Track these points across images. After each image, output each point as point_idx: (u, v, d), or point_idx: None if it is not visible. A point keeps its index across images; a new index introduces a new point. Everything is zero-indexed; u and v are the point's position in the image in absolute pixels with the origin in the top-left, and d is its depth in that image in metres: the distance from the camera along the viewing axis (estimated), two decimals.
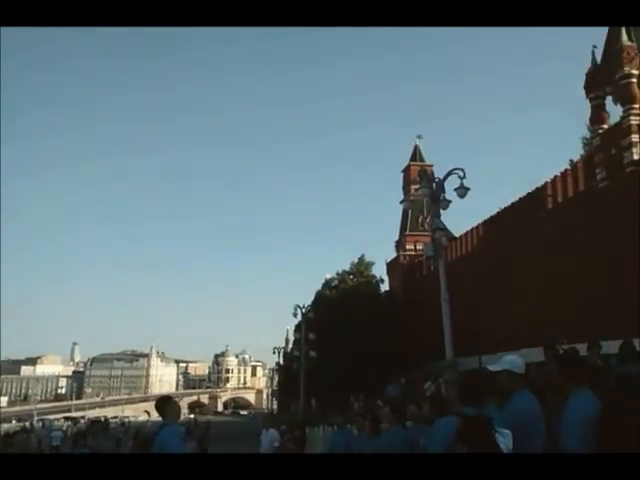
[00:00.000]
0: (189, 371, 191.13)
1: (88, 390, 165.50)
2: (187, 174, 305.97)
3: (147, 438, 6.15)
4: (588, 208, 22.95)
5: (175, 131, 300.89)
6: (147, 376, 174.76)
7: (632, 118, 21.44)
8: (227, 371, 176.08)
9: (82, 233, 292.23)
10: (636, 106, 21.79)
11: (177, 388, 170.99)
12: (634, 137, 21.17)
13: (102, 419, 64.43)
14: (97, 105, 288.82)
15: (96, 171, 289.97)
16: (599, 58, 23.96)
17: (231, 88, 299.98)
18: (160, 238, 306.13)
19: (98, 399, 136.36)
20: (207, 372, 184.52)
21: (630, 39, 22.39)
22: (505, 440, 4.03)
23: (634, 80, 22.05)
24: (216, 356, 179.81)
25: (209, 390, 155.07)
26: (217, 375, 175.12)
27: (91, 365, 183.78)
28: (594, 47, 24.06)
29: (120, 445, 29.23)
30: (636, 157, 21.13)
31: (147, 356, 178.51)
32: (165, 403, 6.03)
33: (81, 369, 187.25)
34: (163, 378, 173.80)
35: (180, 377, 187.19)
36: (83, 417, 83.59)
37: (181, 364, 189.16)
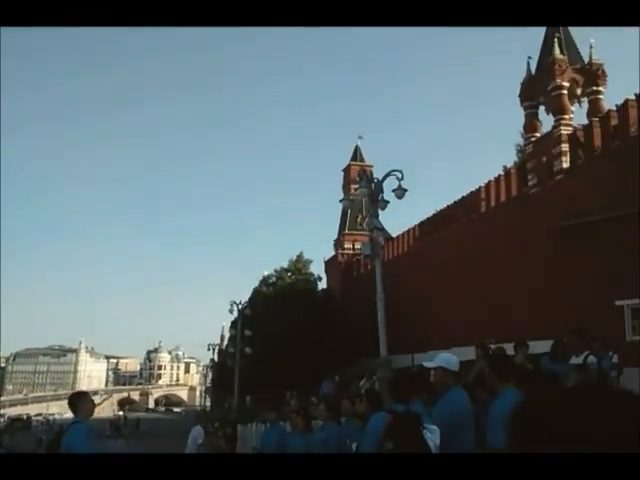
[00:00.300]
0: (120, 367, 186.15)
1: (9, 387, 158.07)
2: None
3: (59, 437, 5.82)
4: (520, 213, 23.84)
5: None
6: (75, 372, 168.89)
7: (562, 128, 22.42)
8: (159, 367, 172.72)
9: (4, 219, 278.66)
10: (566, 117, 22.81)
11: (107, 384, 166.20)
12: (564, 146, 22.15)
13: (24, 417, 61.78)
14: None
15: None
16: (534, 69, 24.95)
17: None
18: (90, 229, 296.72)
19: (20, 396, 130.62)
20: (139, 368, 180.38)
21: (562, 52, 23.43)
22: (432, 436, 4.12)
23: (565, 92, 23.07)
24: (148, 352, 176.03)
25: (140, 387, 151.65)
26: (149, 371, 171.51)
27: (14, 360, 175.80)
28: (529, 58, 25.03)
29: (42, 445, 27.93)
30: (565, 165, 22.10)
31: (75, 351, 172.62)
32: (77, 399, 5.68)
33: (2, 364, 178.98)
34: (92, 374, 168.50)
35: (110, 373, 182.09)
36: (2, 415, 79.80)
37: (111, 360, 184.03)
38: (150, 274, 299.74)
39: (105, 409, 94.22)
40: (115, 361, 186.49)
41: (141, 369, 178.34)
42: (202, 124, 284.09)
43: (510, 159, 38.74)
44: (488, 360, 5.42)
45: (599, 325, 14.45)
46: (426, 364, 5.30)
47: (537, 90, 24.41)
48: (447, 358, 4.97)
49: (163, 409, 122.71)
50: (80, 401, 5.66)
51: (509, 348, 11.02)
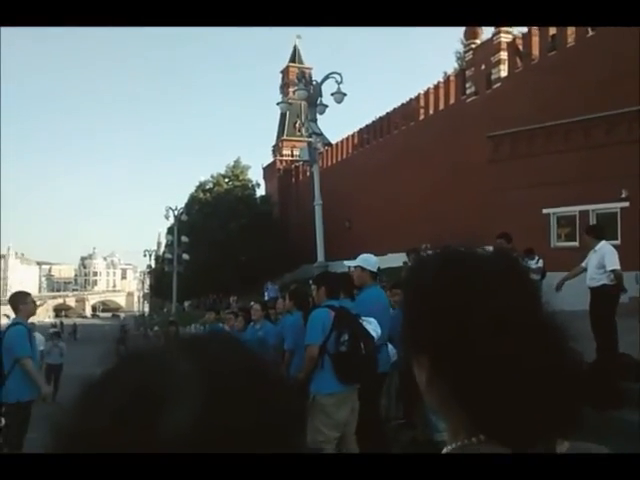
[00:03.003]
0: (53, 273, 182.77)
1: None
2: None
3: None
4: (457, 121, 24.02)
5: None
6: (5, 278, 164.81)
7: (502, 36, 22.29)
8: (95, 274, 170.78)
9: None
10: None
11: (40, 291, 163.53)
12: (503, 54, 22.12)
13: None
14: None
15: None
16: None
17: None
18: (21, 132, 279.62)
19: None
20: (73, 275, 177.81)
21: None
22: (372, 327, 4.38)
23: None
24: (82, 258, 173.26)
25: (76, 293, 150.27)
26: (84, 278, 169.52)
27: None
28: None
29: None
30: (503, 74, 22.19)
31: (4, 257, 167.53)
32: (18, 299, 5.61)
33: None
34: (24, 280, 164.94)
35: (43, 279, 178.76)
36: None
37: (44, 266, 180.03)
38: (81, 179, 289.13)
39: (40, 315, 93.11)
40: (48, 267, 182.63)
41: (75, 275, 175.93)
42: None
43: (450, 65, 38.51)
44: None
45: (527, 231, 15.17)
46: (347, 263, 5.54)
47: None
48: (366, 258, 5.12)
49: (109, 315, 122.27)
50: (21, 301, 5.60)
51: None
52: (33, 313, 5.88)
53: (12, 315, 6.00)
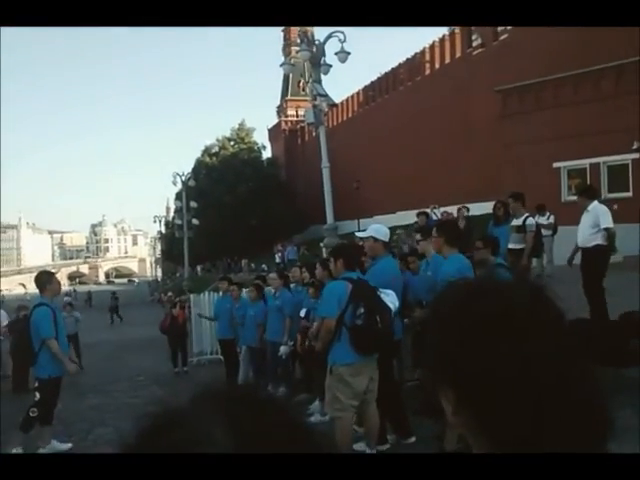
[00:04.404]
0: (64, 242, 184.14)
1: None
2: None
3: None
4: (463, 75, 23.58)
5: None
6: (18, 248, 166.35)
7: None
8: (106, 241, 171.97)
9: None
10: None
11: (53, 259, 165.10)
12: None
13: None
14: None
15: None
16: None
17: None
18: (30, 100, 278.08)
19: None
20: (84, 242, 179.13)
21: None
22: (390, 299, 4.40)
23: None
24: (93, 226, 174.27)
25: (89, 260, 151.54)
26: (95, 245, 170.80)
27: None
28: None
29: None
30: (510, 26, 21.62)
31: (15, 227, 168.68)
32: (44, 279, 5.79)
33: None
34: (36, 250, 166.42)
35: (55, 248, 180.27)
36: None
37: (55, 235, 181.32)
38: (87, 147, 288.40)
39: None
40: (59, 236, 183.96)
41: (87, 243, 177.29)
42: None
43: None
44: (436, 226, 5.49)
45: (538, 186, 15.04)
46: (358, 234, 5.55)
47: None
48: (377, 229, 5.11)
49: (124, 280, 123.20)
50: (48, 281, 5.78)
51: (453, 211, 11.48)
52: (58, 292, 6.10)
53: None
